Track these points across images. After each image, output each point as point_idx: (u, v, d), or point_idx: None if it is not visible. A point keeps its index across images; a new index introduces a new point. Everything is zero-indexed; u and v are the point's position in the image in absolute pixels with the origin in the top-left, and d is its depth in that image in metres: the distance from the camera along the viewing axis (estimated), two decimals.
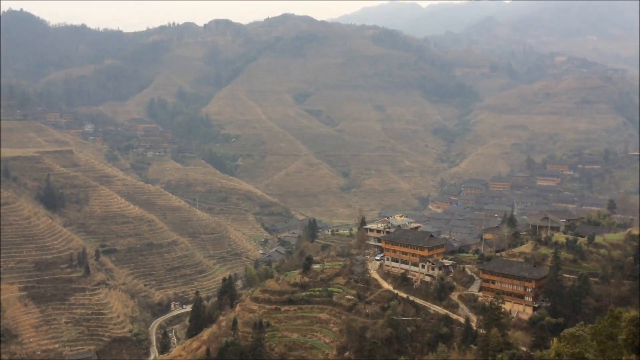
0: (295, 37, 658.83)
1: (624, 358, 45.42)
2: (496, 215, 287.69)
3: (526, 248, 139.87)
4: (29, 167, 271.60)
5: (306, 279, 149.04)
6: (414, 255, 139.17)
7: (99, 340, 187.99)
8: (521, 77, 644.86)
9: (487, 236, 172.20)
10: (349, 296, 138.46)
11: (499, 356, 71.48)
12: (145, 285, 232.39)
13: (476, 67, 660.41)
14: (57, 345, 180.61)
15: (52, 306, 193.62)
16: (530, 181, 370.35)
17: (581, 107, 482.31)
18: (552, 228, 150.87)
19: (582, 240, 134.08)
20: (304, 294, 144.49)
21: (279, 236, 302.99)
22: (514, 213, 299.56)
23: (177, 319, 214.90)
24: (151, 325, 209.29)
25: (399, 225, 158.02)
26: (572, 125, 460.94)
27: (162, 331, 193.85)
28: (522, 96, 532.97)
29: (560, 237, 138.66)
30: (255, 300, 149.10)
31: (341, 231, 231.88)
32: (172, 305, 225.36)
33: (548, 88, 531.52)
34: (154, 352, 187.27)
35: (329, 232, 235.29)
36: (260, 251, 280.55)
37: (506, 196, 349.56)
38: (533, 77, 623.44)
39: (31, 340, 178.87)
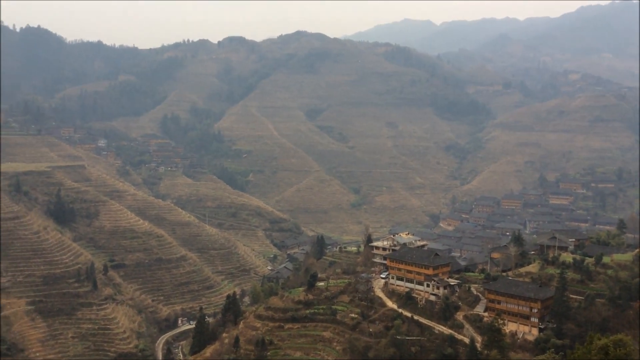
0: (308, 54, 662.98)
1: None
2: (507, 233, 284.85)
3: (533, 268, 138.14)
4: (40, 181, 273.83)
5: (310, 297, 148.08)
6: (418, 273, 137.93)
7: (104, 355, 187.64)
8: (535, 95, 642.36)
9: (495, 255, 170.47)
10: (352, 315, 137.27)
11: None
12: (152, 300, 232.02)
13: (489, 85, 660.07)
14: None
15: (59, 321, 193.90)
16: (543, 199, 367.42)
17: (595, 125, 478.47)
18: (560, 248, 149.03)
19: (589, 261, 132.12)
20: (307, 311, 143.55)
21: (288, 252, 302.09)
22: (526, 232, 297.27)
23: (184, 334, 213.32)
24: (158, 341, 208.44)
25: (404, 243, 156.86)
26: (586, 143, 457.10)
27: (167, 347, 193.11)
28: (536, 114, 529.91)
29: (567, 257, 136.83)
30: (259, 317, 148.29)
31: (349, 248, 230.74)
32: (180, 321, 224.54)
33: (562, 106, 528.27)
34: None
35: (337, 249, 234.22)
36: (269, 267, 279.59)
37: (518, 214, 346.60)
38: (547, 95, 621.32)
39: (37, 354, 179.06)
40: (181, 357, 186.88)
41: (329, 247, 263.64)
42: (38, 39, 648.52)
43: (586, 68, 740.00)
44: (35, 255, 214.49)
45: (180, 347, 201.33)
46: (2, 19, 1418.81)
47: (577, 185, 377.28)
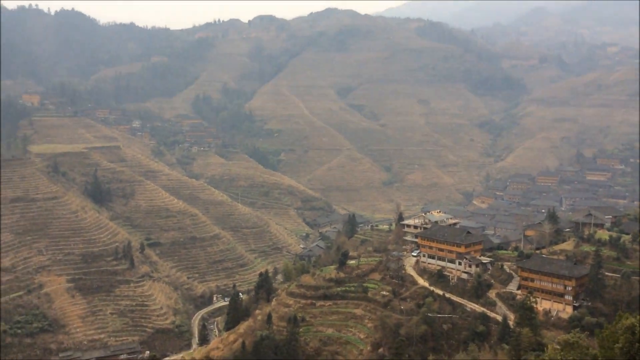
0: (339, 32, 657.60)
1: None
2: (543, 211, 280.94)
3: (568, 245, 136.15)
4: (77, 162, 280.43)
5: (341, 275, 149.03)
6: (450, 251, 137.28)
7: (142, 331, 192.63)
8: (572, 68, 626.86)
9: (529, 233, 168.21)
10: (384, 292, 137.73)
11: (533, 357, 69.51)
12: (188, 277, 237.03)
13: (525, 59, 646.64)
14: (102, 336, 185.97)
15: (98, 297, 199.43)
16: (580, 176, 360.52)
17: (634, 99, 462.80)
18: (597, 225, 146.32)
19: (626, 238, 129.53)
20: (339, 289, 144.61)
21: (320, 231, 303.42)
22: (562, 209, 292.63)
23: (219, 311, 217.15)
24: (194, 317, 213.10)
25: (436, 221, 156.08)
26: (625, 117, 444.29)
27: (203, 323, 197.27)
28: (573, 88, 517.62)
29: (603, 235, 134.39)
30: (291, 295, 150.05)
31: (381, 226, 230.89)
32: (214, 298, 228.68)
33: (600, 80, 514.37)
34: (196, 343, 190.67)
35: (369, 228, 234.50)
36: (302, 246, 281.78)
37: (554, 191, 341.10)
38: (584, 69, 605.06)
39: (78, 330, 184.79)
40: (216, 332, 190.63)
41: (361, 225, 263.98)
42: (72, 22, 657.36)
43: (625, 40, 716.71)
44: (74, 234, 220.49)
45: (215, 323, 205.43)
46: (37, 2, 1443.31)
47: (615, 161, 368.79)
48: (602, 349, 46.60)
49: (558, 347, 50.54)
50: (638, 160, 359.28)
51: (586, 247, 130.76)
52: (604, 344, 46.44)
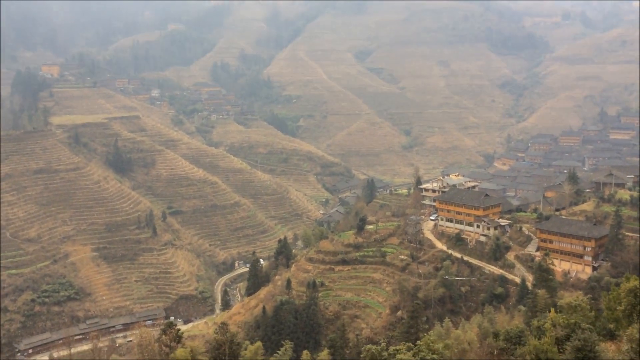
0: None
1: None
2: (565, 171, 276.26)
3: (588, 206, 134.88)
4: (98, 132, 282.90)
5: (360, 240, 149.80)
6: (468, 215, 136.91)
7: (166, 297, 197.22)
8: (596, 25, 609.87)
9: (550, 194, 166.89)
10: (402, 256, 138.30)
11: (535, 321, 69.22)
12: (210, 245, 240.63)
13: (547, 16, 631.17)
14: (128, 303, 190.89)
15: (122, 265, 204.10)
16: (603, 135, 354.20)
17: None
18: (618, 184, 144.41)
19: None
20: (357, 254, 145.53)
21: (340, 196, 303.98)
22: (585, 169, 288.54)
23: (241, 277, 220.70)
24: (216, 284, 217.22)
25: (454, 185, 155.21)
26: None
27: (225, 289, 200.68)
28: (597, 45, 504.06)
29: (624, 194, 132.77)
30: (310, 260, 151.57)
31: (400, 190, 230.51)
32: (236, 264, 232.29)
33: (625, 36, 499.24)
34: (219, 308, 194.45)
35: (388, 192, 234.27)
36: (321, 211, 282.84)
37: (577, 151, 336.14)
38: (609, 25, 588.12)
39: (104, 297, 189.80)
40: (239, 298, 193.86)
41: (380, 189, 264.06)
42: None
43: None
44: (97, 204, 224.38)
45: (237, 288, 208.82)
46: None
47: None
48: (608, 310, 46.55)
49: (561, 310, 50.56)
50: None
51: (606, 208, 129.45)
52: (610, 306, 46.39)
